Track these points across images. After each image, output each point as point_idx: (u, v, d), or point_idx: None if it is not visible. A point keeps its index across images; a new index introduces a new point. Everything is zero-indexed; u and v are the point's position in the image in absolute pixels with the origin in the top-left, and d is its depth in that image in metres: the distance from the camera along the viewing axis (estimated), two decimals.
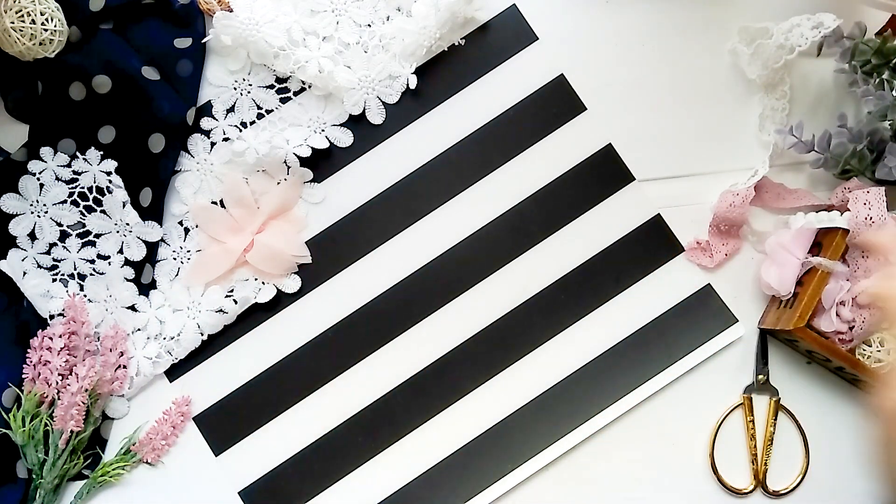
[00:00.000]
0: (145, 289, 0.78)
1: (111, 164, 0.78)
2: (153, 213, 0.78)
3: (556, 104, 0.80)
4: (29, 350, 0.76)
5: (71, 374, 0.75)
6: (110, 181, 0.78)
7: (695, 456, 0.77)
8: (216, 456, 0.77)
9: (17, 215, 0.78)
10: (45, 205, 0.78)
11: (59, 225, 0.78)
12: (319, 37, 0.80)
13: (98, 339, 0.77)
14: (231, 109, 0.80)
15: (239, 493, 0.77)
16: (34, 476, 0.75)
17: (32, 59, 0.77)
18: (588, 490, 0.77)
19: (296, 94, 0.80)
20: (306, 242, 0.79)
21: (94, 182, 0.78)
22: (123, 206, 0.77)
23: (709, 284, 0.79)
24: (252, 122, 0.80)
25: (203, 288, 0.78)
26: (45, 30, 0.75)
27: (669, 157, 0.80)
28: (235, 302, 0.78)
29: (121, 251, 0.78)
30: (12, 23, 0.74)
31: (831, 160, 0.76)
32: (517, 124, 0.80)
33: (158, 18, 0.80)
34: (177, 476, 0.77)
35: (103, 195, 0.78)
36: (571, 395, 0.77)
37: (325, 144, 0.79)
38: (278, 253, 0.78)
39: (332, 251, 0.79)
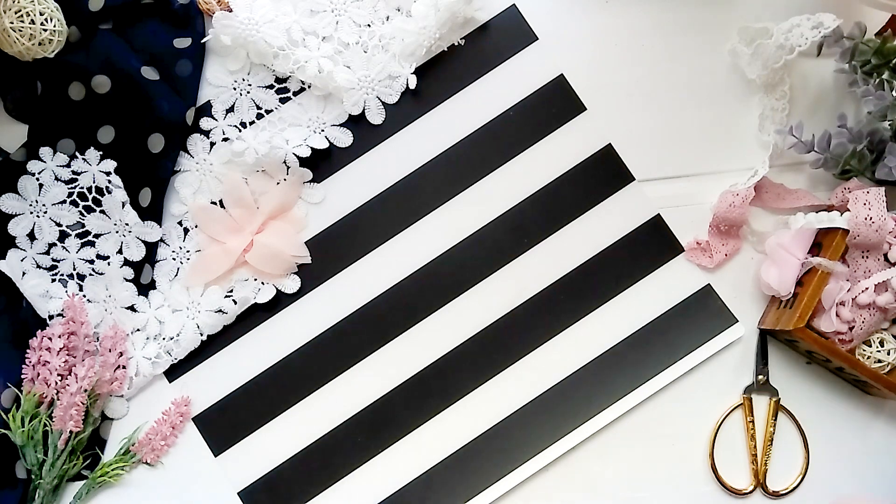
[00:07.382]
0: (145, 289, 0.78)
1: (110, 164, 0.77)
2: (153, 213, 0.78)
3: (556, 104, 0.80)
4: (28, 350, 0.75)
5: (70, 374, 0.75)
6: (109, 181, 0.78)
7: (695, 456, 0.77)
8: (216, 456, 0.77)
9: (16, 215, 0.78)
10: (44, 205, 0.78)
11: (59, 225, 0.78)
12: (319, 37, 0.80)
13: (97, 339, 0.77)
14: (231, 109, 0.80)
15: (239, 493, 0.77)
16: (33, 476, 0.75)
17: (32, 59, 0.76)
18: (588, 490, 0.77)
19: (295, 94, 0.80)
20: (306, 242, 0.79)
21: (94, 182, 0.78)
22: (123, 206, 0.77)
23: (709, 284, 0.79)
24: (252, 122, 0.80)
25: (202, 288, 0.78)
26: (45, 30, 0.75)
27: (669, 157, 0.80)
28: (235, 302, 0.78)
29: (120, 251, 0.78)
30: (12, 23, 0.74)
31: (831, 160, 0.76)
32: (517, 124, 0.80)
33: (158, 18, 0.80)
34: (176, 476, 0.77)
35: (102, 195, 0.78)
36: (571, 396, 0.77)
37: (325, 144, 0.79)
38: (278, 253, 0.78)
39: (331, 251, 0.79)
